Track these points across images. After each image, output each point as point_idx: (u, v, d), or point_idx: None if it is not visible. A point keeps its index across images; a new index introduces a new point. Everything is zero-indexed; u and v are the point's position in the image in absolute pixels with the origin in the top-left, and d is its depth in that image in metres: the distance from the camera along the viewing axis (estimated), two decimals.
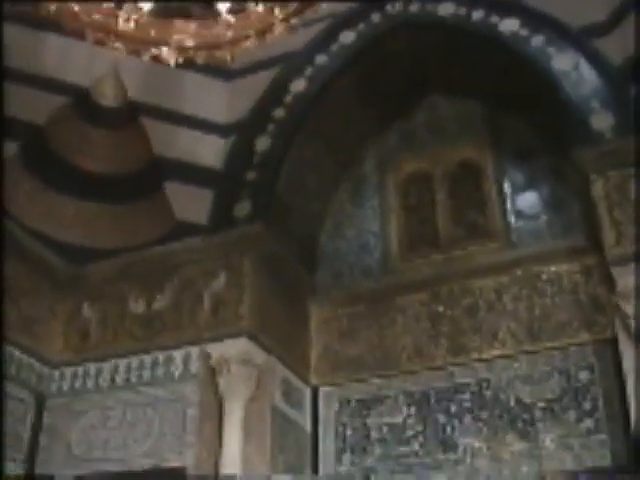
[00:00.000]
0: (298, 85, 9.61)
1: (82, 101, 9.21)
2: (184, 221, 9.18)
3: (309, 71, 9.62)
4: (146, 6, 6.46)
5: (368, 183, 10.28)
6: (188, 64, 9.44)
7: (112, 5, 6.30)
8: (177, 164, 9.35)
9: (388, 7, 9.61)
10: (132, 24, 6.35)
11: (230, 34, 6.50)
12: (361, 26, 9.63)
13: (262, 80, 9.77)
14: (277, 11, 6.49)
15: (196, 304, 8.75)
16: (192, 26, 6.51)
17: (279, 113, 9.53)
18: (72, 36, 7.05)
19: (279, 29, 6.59)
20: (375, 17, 9.63)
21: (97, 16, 6.25)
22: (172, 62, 6.55)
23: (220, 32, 6.50)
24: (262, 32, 6.61)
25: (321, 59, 9.64)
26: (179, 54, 6.52)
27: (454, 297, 9.01)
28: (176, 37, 6.45)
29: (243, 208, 9.08)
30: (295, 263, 9.43)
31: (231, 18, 6.46)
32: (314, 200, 9.98)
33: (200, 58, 6.58)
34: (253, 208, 9.06)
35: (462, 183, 9.81)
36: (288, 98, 9.57)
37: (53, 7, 6.19)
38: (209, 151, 9.53)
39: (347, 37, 9.64)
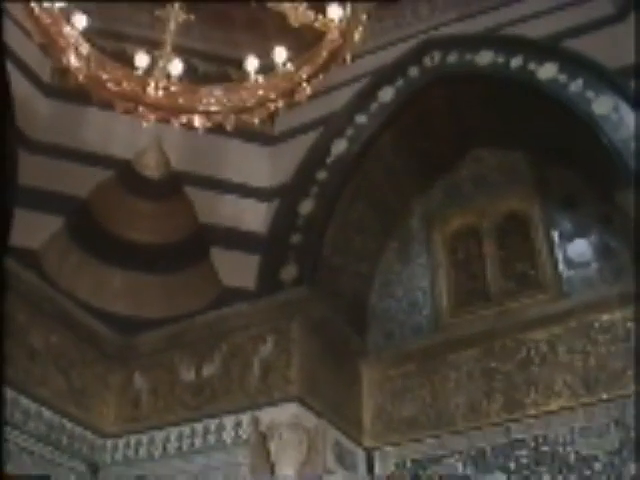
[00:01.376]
0: (339, 146, 9.64)
1: (126, 173, 9.42)
2: (231, 287, 9.18)
3: (350, 132, 9.67)
4: (176, 70, 6.56)
5: (415, 240, 10.19)
6: (230, 131, 9.71)
7: (140, 74, 6.42)
8: (222, 230, 9.41)
9: (426, 60, 9.66)
10: (161, 92, 6.45)
11: (259, 94, 6.54)
12: (399, 82, 9.69)
13: (304, 143, 9.87)
14: (304, 69, 6.54)
15: (245, 370, 8.68)
16: (218, 91, 6.58)
17: (321, 175, 9.56)
18: (101, 106, 7.16)
19: (306, 88, 6.59)
20: (413, 71, 9.69)
21: (126, 85, 6.37)
22: (202, 129, 6.64)
23: (246, 96, 6.56)
24: (290, 92, 6.60)
25: (361, 119, 9.68)
26: (207, 120, 6.60)
27: (507, 351, 8.78)
28: (204, 103, 6.55)
29: (289, 272, 9.06)
30: (344, 325, 9.30)
31: (260, 78, 6.52)
32: (361, 260, 9.90)
33: (229, 123, 6.63)
34: (299, 271, 9.04)
35: (510, 235, 9.67)
36: (330, 160, 9.60)
37: (82, 77, 6.33)
38: (253, 216, 9.58)
39: (386, 94, 9.69)
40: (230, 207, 9.58)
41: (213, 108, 6.51)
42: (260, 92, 6.46)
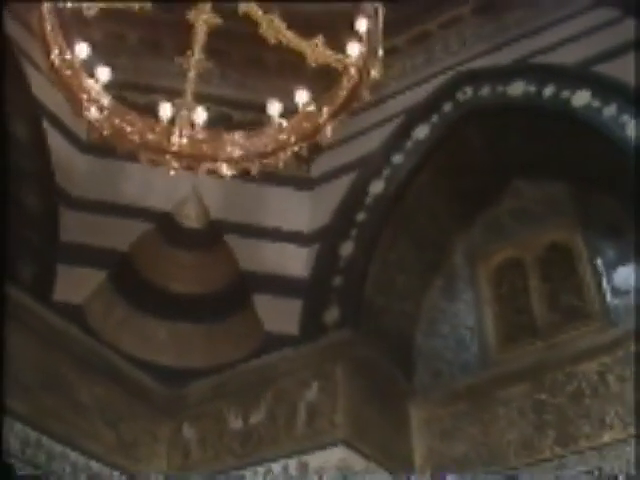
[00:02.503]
0: (377, 187, 9.63)
1: (166, 225, 9.56)
2: (275, 333, 9.16)
3: (386, 172, 9.67)
4: (200, 118, 6.61)
5: (459, 277, 10.06)
6: (267, 177, 9.79)
7: (165, 123, 6.48)
8: (264, 277, 9.43)
9: (459, 94, 9.66)
10: (185, 141, 6.50)
11: (281, 138, 6.56)
12: (433, 118, 9.69)
13: (341, 186, 9.89)
14: (324, 110, 6.54)
15: (291, 415, 8.60)
16: (241, 137, 6.60)
17: (361, 217, 9.53)
18: (127, 159, 7.23)
19: (328, 129, 6.58)
20: (446, 107, 9.69)
21: (150, 136, 6.43)
22: (228, 175, 6.66)
23: (268, 140, 6.57)
24: (312, 134, 6.60)
25: (397, 158, 9.68)
26: (232, 167, 6.62)
27: (557, 384, 8.52)
28: (227, 150, 6.58)
29: (332, 315, 9.03)
30: (390, 365, 9.19)
31: (283, 121, 6.54)
32: (405, 300, 9.80)
33: (253, 169, 6.65)
34: (342, 314, 9.00)
35: (554, 266, 9.46)
36: (368, 201, 9.58)
37: (106, 130, 6.41)
38: (294, 261, 9.60)
39: (421, 132, 9.68)
40: (271, 253, 9.61)
41: (237, 154, 6.56)
42: (282, 136, 6.49)
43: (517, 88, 9.20)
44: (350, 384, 8.62)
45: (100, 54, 9.86)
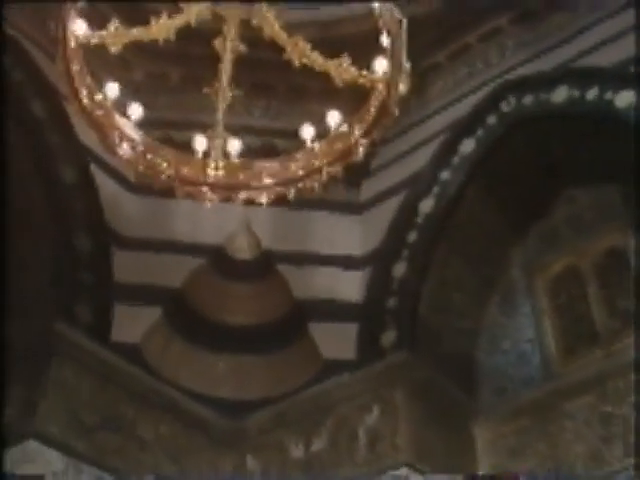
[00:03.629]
0: (426, 205, 9.54)
1: (218, 258, 9.63)
2: (332, 359, 9.12)
3: (435, 189, 9.57)
4: (235, 148, 6.62)
5: (516, 290, 9.82)
6: (316, 204, 9.78)
7: (200, 156, 6.50)
8: (318, 304, 9.42)
9: (502, 105, 9.53)
10: (221, 172, 6.51)
11: (316, 161, 6.53)
12: (479, 132, 9.58)
13: (391, 207, 9.84)
14: (356, 129, 6.50)
15: (353, 441, 8.51)
16: (276, 164, 6.58)
17: (412, 236, 9.46)
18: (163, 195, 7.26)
19: (361, 148, 6.53)
20: (491, 119, 9.58)
21: (186, 170, 6.46)
22: (265, 202, 6.64)
23: (303, 164, 6.55)
24: (346, 154, 6.56)
25: (445, 175, 9.58)
26: (268, 193, 6.60)
27: (620, 394, 8.20)
28: (264, 177, 6.57)
29: (389, 337, 8.95)
30: (451, 385, 9.02)
31: (316, 145, 6.52)
32: (463, 317, 9.63)
33: (290, 194, 6.60)
34: (399, 336, 8.92)
35: (611, 272, 9.17)
36: (419, 220, 9.51)
37: (141, 167, 6.46)
38: (348, 285, 9.55)
39: (467, 146, 9.58)
40: (324, 279, 9.60)
41: (272, 181, 6.54)
42: (316, 159, 6.46)
43: (560, 94, 9.06)
44: (410, 406, 8.51)
45: (142, 94, 10.16)
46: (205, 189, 6.43)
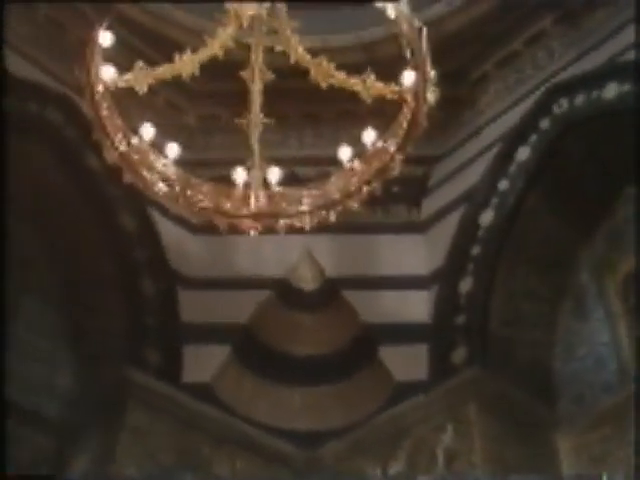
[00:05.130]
0: (487, 217, 9.38)
1: (282, 290, 9.66)
2: (404, 381, 8.97)
3: (494, 200, 9.39)
4: (274, 176, 6.62)
5: (588, 295, 9.43)
6: (377, 227, 9.74)
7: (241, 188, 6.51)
8: (386, 327, 9.29)
9: (554, 108, 9.30)
10: (262, 201, 6.51)
11: (354, 180, 6.48)
12: (533, 137, 9.38)
13: (452, 222, 9.68)
14: (390, 144, 6.44)
15: (430, 462, 8.35)
16: (315, 188, 6.54)
17: (475, 250, 9.30)
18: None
19: (397, 162, 6.46)
20: (544, 123, 9.37)
21: (227, 205, 6.48)
22: (308, 227, 6.61)
23: (342, 185, 6.50)
24: (383, 170, 6.49)
25: (503, 184, 9.40)
26: (310, 218, 6.56)
27: None
28: (304, 202, 6.54)
29: (460, 354, 8.79)
30: (527, 397, 8.75)
31: (354, 164, 6.48)
32: (535, 327, 9.31)
33: (332, 216, 6.56)
34: (469, 352, 8.77)
35: None
36: (481, 233, 9.35)
37: (181, 200, 6.50)
38: (415, 306, 9.43)
39: (522, 154, 9.38)
40: (390, 302, 9.49)
41: (313, 205, 6.51)
42: (355, 178, 6.41)
43: (611, 90, 8.80)
44: (485, 422, 8.34)
45: (197, 136, 10.31)
46: (247, 220, 6.49)
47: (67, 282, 9.49)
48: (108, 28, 6.17)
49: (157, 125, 8.68)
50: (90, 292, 9.39)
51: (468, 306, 9.07)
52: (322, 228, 9.40)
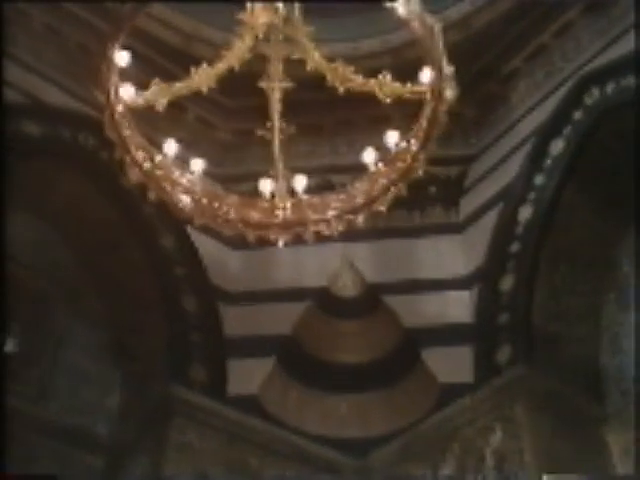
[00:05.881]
0: (525, 213, 9.24)
1: (324, 299, 9.66)
2: (449, 384, 8.90)
3: (531, 196, 9.26)
4: (300, 184, 6.61)
5: (631, 285, 9.13)
6: (415, 231, 9.71)
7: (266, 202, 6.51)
8: (429, 330, 9.25)
9: (586, 99, 9.14)
10: (289, 211, 6.50)
11: (381, 182, 6.45)
12: (566, 130, 9.21)
13: (490, 221, 9.59)
14: (412, 144, 6.40)
15: (480, 464, 8.27)
16: (342, 194, 6.53)
17: (514, 247, 9.17)
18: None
19: (422, 161, 6.41)
20: (577, 115, 9.21)
21: (255, 215, 6.49)
22: (335, 233, 6.58)
23: (368, 188, 6.47)
24: (408, 170, 6.45)
25: (539, 179, 9.26)
26: (339, 224, 6.54)
27: None
28: (332, 207, 6.53)
29: (504, 353, 8.67)
30: (576, 394, 8.62)
31: (381, 166, 6.45)
32: (580, 322, 9.10)
33: (360, 219, 6.53)
34: (514, 350, 8.64)
35: None
36: (519, 230, 9.21)
37: (207, 214, 6.51)
38: (457, 307, 9.39)
39: (556, 147, 9.24)
40: (432, 305, 9.46)
41: (341, 210, 6.49)
42: (381, 180, 6.39)
43: None
44: (534, 421, 8.22)
45: (232, 151, 10.35)
46: (274, 230, 6.49)
47: (111, 304, 9.60)
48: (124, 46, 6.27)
49: (190, 142, 8.85)
50: (134, 312, 9.51)
51: (510, 304, 8.95)
52: (360, 235, 9.50)
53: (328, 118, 10.46)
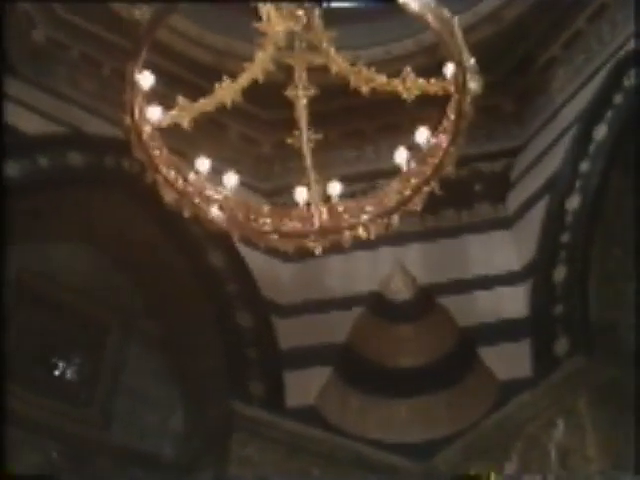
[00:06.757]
0: (573, 202, 9.01)
1: (377, 304, 9.60)
2: (508, 380, 8.76)
3: (578, 183, 9.04)
4: (335, 190, 6.59)
5: None
6: (464, 228, 9.62)
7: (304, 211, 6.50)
8: (484, 327, 9.15)
9: (625, 81, 8.89)
10: (325, 217, 6.49)
11: (413, 181, 6.40)
12: (608, 114, 8.97)
13: (539, 213, 9.42)
14: (442, 139, 6.34)
15: (544, 460, 8.10)
16: (375, 196, 6.49)
17: (565, 238, 8.95)
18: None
19: (452, 156, 6.35)
20: (617, 98, 8.97)
21: (291, 224, 6.48)
22: (372, 236, 6.54)
23: (402, 187, 6.43)
24: (440, 166, 6.38)
25: (584, 166, 9.03)
26: (375, 226, 6.50)
27: None
28: (367, 211, 6.50)
29: (562, 345, 8.47)
30: (637, 382, 8.14)
31: (412, 164, 6.40)
32: (636, 309, 8.65)
33: (395, 220, 6.48)
34: (572, 342, 8.42)
35: None
36: (568, 219, 8.99)
37: (236, 233, 6.52)
38: (511, 302, 9.23)
39: (599, 132, 9.00)
40: (486, 302, 9.34)
41: (376, 212, 6.46)
42: (414, 179, 6.35)
43: None
44: (596, 413, 8.00)
45: (273, 164, 10.39)
46: (311, 238, 6.47)
47: (166, 326, 9.72)
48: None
49: (235, 160, 8.91)
50: (189, 332, 9.60)
51: (565, 295, 8.74)
52: (410, 237, 9.44)
53: (370, 123, 10.49)
